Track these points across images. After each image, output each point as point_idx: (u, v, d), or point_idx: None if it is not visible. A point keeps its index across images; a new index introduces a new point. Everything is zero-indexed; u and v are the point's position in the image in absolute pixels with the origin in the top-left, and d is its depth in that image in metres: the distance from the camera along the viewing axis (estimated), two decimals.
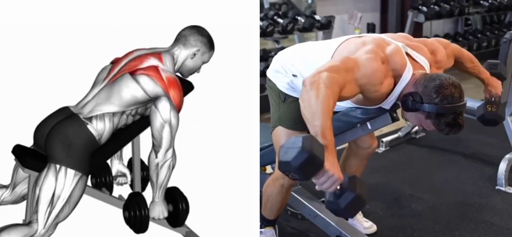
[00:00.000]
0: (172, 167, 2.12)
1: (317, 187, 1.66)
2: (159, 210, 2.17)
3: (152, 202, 2.17)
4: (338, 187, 1.66)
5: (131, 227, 2.19)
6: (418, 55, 2.03)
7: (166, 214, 2.19)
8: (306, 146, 1.56)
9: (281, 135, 2.26)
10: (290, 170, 1.60)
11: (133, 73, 2.06)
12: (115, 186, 2.44)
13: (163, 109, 2.04)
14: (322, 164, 1.60)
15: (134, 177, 2.40)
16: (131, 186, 2.46)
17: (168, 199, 2.21)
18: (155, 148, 2.08)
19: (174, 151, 2.10)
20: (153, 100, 2.06)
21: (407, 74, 1.94)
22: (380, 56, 1.91)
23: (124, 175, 2.43)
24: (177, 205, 2.22)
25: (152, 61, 2.09)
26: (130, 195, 2.24)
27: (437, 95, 1.85)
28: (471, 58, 2.43)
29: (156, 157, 2.08)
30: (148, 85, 2.04)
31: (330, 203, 1.70)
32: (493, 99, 2.47)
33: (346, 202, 1.66)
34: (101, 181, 2.40)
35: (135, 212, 2.16)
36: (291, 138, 1.63)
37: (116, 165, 2.43)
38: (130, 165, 2.44)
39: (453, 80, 1.88)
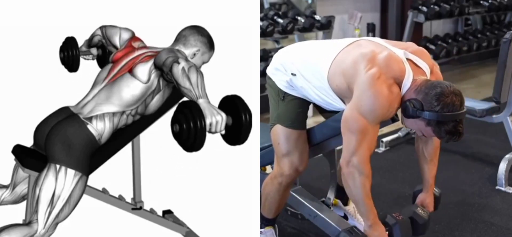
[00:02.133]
0: (201, 74, 1.84)
1: None
2: (210, 111, 1.74)
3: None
4: None
5: (181, 143, 1.77)
6: (419, 60, 2.03)
7: (224, 116, 1.75)
8: None
9: (280, 133, 2.27)
10: None
11: (131, 71, 2.06)
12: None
13: (166, 48, 2.01)
14: None
15: (134, 182, 2.39)
16: None
17: (226, 109, 1.80)
18: (174, 61, 1.86)
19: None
20: (150, 85, 2.06)
21: (407, 81, 1.95)
22: (375, 76, 1.92)
23: (90, 54, 2.39)
24: (240, 118, 1.80)
25: (148, 53, 2.10)
26: (180, 104, 1.80)
27: (438, 103, 1.86)
28: (437, 149, 2.28)
29: (179, 63, 1.84)
30: (143, 68, 2.04)
31: None
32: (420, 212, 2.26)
33: None
34: (68, 54, 2.32)
35: (189, 123, 1.71)
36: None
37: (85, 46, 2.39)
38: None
39: (454, 88, 1.89)
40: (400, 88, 1.96)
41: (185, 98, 1.82)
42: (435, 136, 1.95)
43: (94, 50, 2.38)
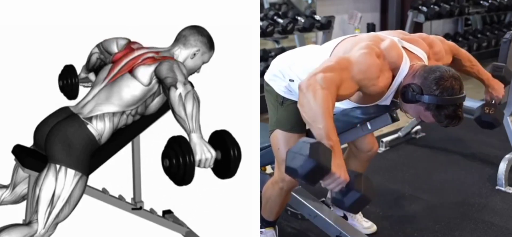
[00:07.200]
0: (198, 99, 1.87)
1: (322, 185, 1.68)
2: (200, 148, 1.81)
3: (189, 140, 1.84)
4: (344, 185, 1.68)
5: (171, 177, 1.84)
6: (414, 47, 2.03)
7: (213, 154, 1.83)
8: (313, 154, 1.57)
9: (280, 138, 2.26)
10: (297, 177, 1.62)
11: (132, 71, 2.06)
12: None
13: (167, 60, 2.01)
14: (329, 170, 1.62)
15: (134, 182, 2.39)
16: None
17: (216, 145, 1.87)
18: (172, 84, 1.88)
19: (193, 87, 1.91)
20: (151, 88, 2.06)
21: (405, 66, 1.95)
22: (375, 51, 1.91)
23: (89, 80, 2.39)
24: (228, 152, 1.85)
25: (149, 55, 2.10)
26: (171, 139, 1.84)
27: (437, 87, 1.85)
28: (469, 57, 2.41)
29: (176, 88, 1.87)
30: (144, 71, 2.04)
31: (335, 200, 1.73)
32: (493, 101, 2.44)
33: (350, 201, 1.68)
34: (67, 82, 2.32)
35: (178, 159, 1.77)
36: (299, 141, 1.64)
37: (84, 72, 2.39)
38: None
39: (453, 73, 1.88)
40: (395, 76, 1.95)
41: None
42: (434, 120, 1.91)
43: (92, 76, 2.37)
